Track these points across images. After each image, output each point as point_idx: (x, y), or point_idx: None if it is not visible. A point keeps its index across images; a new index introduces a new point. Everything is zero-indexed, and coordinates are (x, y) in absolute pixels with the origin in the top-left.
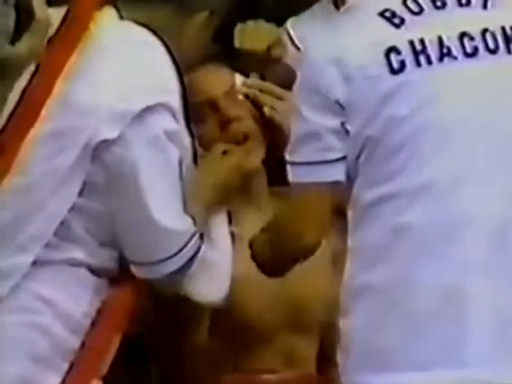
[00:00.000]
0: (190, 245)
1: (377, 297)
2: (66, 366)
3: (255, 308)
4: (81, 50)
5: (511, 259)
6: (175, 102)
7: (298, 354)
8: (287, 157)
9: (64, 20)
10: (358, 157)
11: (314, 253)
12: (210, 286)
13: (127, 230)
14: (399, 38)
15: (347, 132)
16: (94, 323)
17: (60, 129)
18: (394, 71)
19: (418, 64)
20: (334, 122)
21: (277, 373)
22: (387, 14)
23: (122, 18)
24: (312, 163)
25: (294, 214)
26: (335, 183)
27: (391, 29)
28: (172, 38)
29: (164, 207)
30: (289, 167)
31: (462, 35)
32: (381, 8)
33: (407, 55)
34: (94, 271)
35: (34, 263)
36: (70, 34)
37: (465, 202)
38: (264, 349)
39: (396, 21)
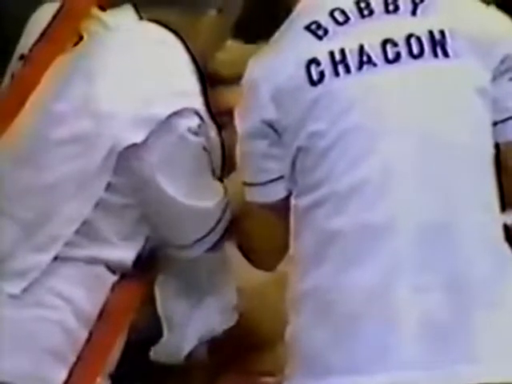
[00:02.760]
0: (223, 221)
1: (312, 302)
2: (73, 358)
3: (257, 314)
4: (101, 51)
5: (437, 261)
6: (199, 103)
7: None
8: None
9: (56, 14)
10: (294, 168)
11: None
12: None
13: (162, 220)
14: (320, 49)
15: (278, 151)
16: (99, 319)
17: (83, 132)
18: (313, 82)
19: (337, 74)
20: (263, 146)
21: (276, 376)
22: (313, 27)
23: (141, 18)
24: (253, 184)
25: (249, 235)
26: (278, 201)
27: (314, 41)
28: (185, 39)
29: (193, 192)
30: (243, 187)
31: (385, 42)
32: (308, 21)
33: (326, 66)
34: (110, 268)
35: (54, 259)
36: (61, 28)
37: (390, 204)
38: (265, 353)
39: (320, 32)
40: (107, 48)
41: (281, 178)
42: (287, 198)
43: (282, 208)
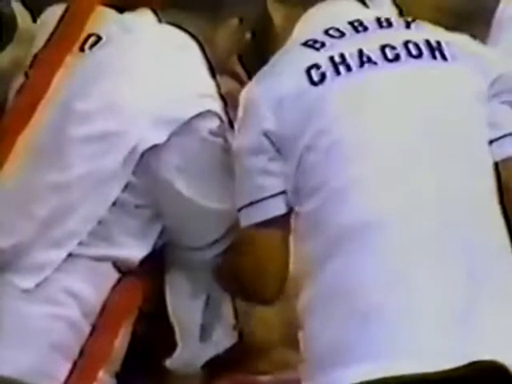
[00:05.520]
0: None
1: (329, 299)
2: (77, 352)
3: (253, 321)
4: (122, 52)
5: (453, 252)
6: (218, 105)
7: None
8: (236, 205)
9: (62, 17)
10: (298, 171)
11: (278, 296)
12: None
13: (177, 221)
14: (319, 56)
15: (277, 167)
16: (101, 315)
17: (105, 131)
18: (314, 83)
19: (338, 73)
20: (261, 161)
21: (271, 374)
22: (309, 43)
23: (160, 21)
24: (251, 203)
25: (249, 264)
26: (279, 218)
27: (312, 52)
28: (205, 45)
29: (210, 194)
30: (238, 214)
31: (384, 46)
32: (304, 40)
33: (327, 68)
34: (117, 266)
35: (67, 256)
36: (68, 31)
37: (403, 197)
38: (260, 359)
39: (317, 45)
40: (128, 49)
41: (280, 194)
42: (287, 218)
43: (281, 227)
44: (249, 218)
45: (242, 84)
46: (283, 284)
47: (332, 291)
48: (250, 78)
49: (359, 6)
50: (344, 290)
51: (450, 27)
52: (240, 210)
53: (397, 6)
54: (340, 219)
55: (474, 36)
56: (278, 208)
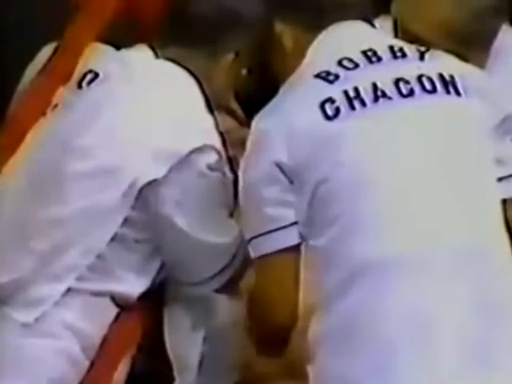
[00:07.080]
0: (237, 259)
1: (341, 332)
2: None
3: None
4: (120, 88)
5: (475, 284)
6: (216, 139)
7: None
8: (245, 235)
9: (55, 52)
10: (312, 203)
11: (290, 331)
12: None
13: (175, 255)
14: (333, 90)
15: (290, 197)
16: (100, 350)
17: (104, 166)
18: (328, 117)
19: (353, 108)
20: (274, 192)
21: None
22: (323, 75)
23: (157, 56)
24: (262, 234)
25: (261, 293)
26: (291, 249)
27: (325, 85)
28: (203, 80)
29: (208, 228)
30: (248, 245)
31: (398, 80)
32: (317, 71)
33: (342, 102)
34: (115, 301)
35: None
36: (60, 62)
37: (410, 234)
38: None
39: (331, 78)
40: (126, 85)
41: (292, 224)
42: (298, 249)
43: (292, 258)
44: (259, 249)
45: (239, 121)
46: (294, 324)
47: (346, 326)
48: (246, 115)
49: (369, 28)
50: (359, 325)
51: (447, 48)
52: (250, 240)
53: (395, 24)
54: (357, 253)
55: (468, 60)
56: (290, 238)
